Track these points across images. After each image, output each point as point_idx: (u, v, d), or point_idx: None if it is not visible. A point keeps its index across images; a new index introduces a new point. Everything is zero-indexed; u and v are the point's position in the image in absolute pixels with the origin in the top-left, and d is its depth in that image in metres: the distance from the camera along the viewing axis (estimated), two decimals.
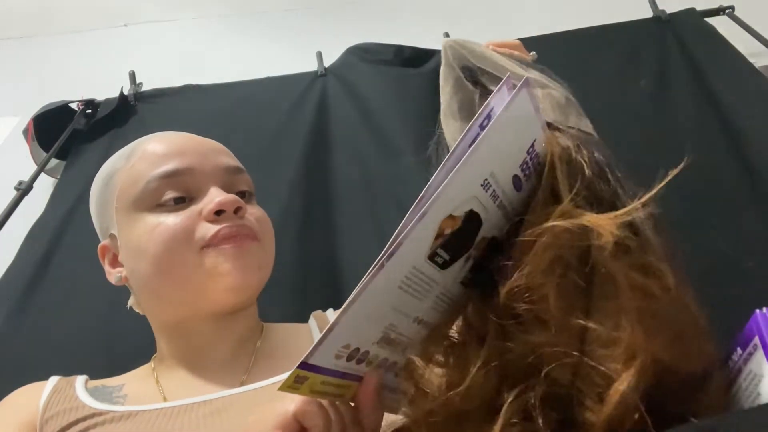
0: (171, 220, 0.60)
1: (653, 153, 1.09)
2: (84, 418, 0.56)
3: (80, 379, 0.63)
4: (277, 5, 1.64)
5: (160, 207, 0.61)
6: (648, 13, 1.36)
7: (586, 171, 0.35)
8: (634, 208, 0.32)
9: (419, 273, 0.35)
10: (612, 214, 0.32)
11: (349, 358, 0.37)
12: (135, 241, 0.61)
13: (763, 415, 0.35)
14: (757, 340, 0.56)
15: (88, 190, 0.67)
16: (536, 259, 0.31)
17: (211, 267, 0.58)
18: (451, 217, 0.34)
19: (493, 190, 0.36)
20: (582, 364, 0.30)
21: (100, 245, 0.68)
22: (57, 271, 0.97)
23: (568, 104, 0.44)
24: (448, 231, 0.34)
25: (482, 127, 0.35)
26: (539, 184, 0.36)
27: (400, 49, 1.29)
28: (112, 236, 0.65)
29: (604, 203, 0.34)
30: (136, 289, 0.65)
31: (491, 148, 0.34)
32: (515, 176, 0.37)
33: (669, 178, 0.33)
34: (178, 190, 0.61)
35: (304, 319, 0.73)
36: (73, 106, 1.26)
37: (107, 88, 1.29)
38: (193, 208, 0.61)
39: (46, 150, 1.19)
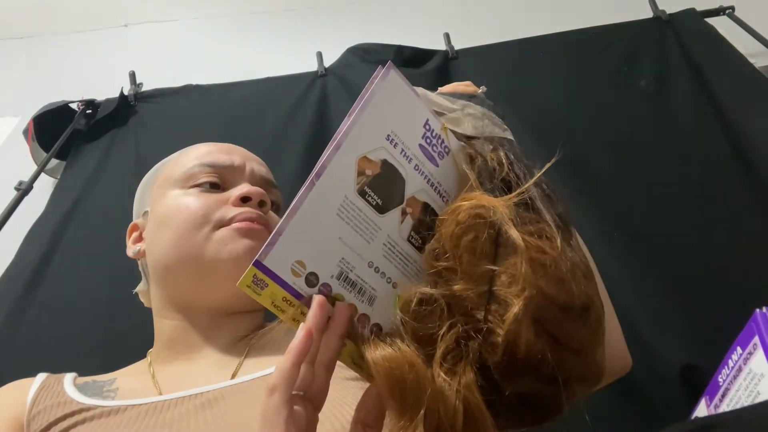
0: (198, 199, 0.64)
1: (653, 152, 1.10)
2: (72, 414, 0.56)
3: (69, 376, 0.63)
4: (277, 5, 1.64)
5: (194, 187, 0.66)
6: (648, 14, 1.36)
7: (497, 167, 0.47)
8: (523, 191, 0.44)
9: (354, 206, 0.42)
10: (506, 197, 0.43)
11: (309, 284, 0.40)
12: (163, 211, 0.66)
13: (759, 412, 0.39)
14: (757, 339, 0.56)
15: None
16: (447, 228, 0.43)
17: (220, 240, 0.62)
18: (366, 159, 0.42)
19: (402, 150, 0.44)
20: (490, 300, 0.40)
21: (131, 224, 0.73)
22: (57, 271, 0.97)
23: (482, 117, 0.56)
24: (369, 172, 0.42)
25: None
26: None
27: (400, 49, 1.29)
28: (145, 214, 0.70)
29: (513, 188, 0.46)
30: (151, 264, 0.67)
31: (378, 106, 0.43)
32: (421, 146, 0.46)
33: (547, 167, 0.45)
34: (216, 178, 0.67)
35: None
36: (73, 106, 1.26)
37: (107, 88, 1.30)
38: (221, 195, 0.65)
39: (46, 150, 1.19)
